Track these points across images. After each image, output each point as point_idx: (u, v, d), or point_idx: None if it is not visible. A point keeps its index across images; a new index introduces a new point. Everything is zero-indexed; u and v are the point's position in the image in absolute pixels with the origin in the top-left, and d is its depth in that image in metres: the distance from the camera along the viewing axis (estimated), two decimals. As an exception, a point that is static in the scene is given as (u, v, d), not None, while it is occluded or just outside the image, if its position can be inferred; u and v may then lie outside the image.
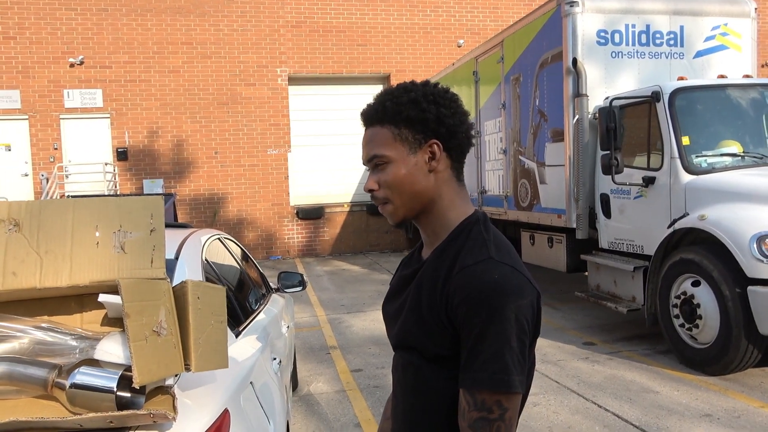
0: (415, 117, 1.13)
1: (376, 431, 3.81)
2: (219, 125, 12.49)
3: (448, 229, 1.17)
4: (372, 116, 1.17)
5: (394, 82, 12.97)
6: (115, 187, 11.91)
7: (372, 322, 6.73)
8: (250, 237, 12.58)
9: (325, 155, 13.16)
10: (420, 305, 1.12)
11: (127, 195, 9.47)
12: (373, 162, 1.16)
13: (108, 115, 12.08)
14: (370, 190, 1.18)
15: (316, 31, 12.83)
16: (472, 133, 1.20)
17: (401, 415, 1.21)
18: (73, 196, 8.18)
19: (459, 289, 1.06)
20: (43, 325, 1.48)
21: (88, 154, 12.00)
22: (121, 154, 12.08)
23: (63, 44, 11.80)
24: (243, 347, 2.32)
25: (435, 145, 1.14)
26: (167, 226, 1.72)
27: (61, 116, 11.88)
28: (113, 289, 1.45)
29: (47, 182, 11.50)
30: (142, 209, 1.54)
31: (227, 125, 12.53)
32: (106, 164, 11.83)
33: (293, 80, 12.92)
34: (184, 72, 12.29)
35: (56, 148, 11.86)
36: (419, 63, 13.20)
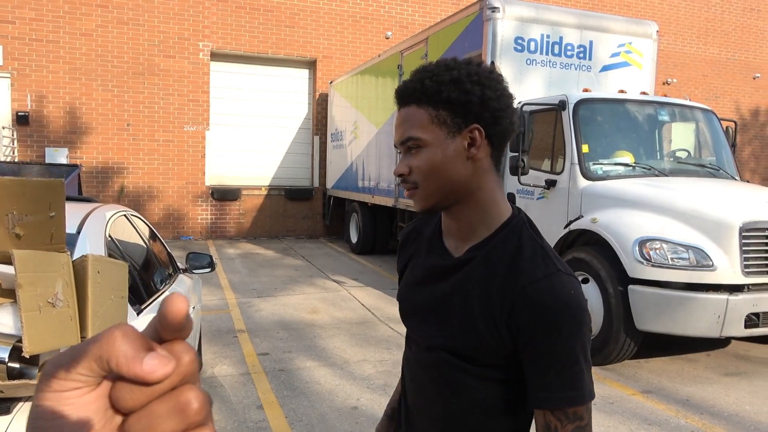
0: (456, 99, 1.03)
1: (277, 413, 3.87)
2: (133, 96, 11.93)
3: (489, 225, 1.09)
4: (408, 95, 1.07)
5: (320, 67, 12.89)
6: (13, 153, 11.11)
7: (282, 307, 6.75)
8: (160, 215, 12.15)
9: (246, 136, 12.88)
10: (473, 315, 1.06)
11: (28, 163, 8.88)
12: (407, 144, 1.06)
13: (8, 75, 11.22)
14: (401, 175, 1.08)
15: (242, 8, 12.51)
16: (516, 119, 1.10)
17: (439, 416, 1.16)
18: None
19: (532, 306, 1.01)
20: (-70, 293, 1.44)
21: (-16, 116, 11.11)
22: (22, 119, 11.27)
23: (-41, -7, 10.83)
24: (144, 325, 2.32)
25: (476, 131, 1.04)
26: (70, 199, 1.70)
27: (-46, 72, 10.93)
28: (7, 260, 1.43)
29: (-66, 143, 10.54)
30: (43, 194, 1.52)
31: (142, 97, 12.00)
32: (3, 128, 10.99)
33: (216, 56, 12.55)
34: (97, 36, 11.62)
35: (-54, 107, 10.90)
36: (346, 50, 13.19)
